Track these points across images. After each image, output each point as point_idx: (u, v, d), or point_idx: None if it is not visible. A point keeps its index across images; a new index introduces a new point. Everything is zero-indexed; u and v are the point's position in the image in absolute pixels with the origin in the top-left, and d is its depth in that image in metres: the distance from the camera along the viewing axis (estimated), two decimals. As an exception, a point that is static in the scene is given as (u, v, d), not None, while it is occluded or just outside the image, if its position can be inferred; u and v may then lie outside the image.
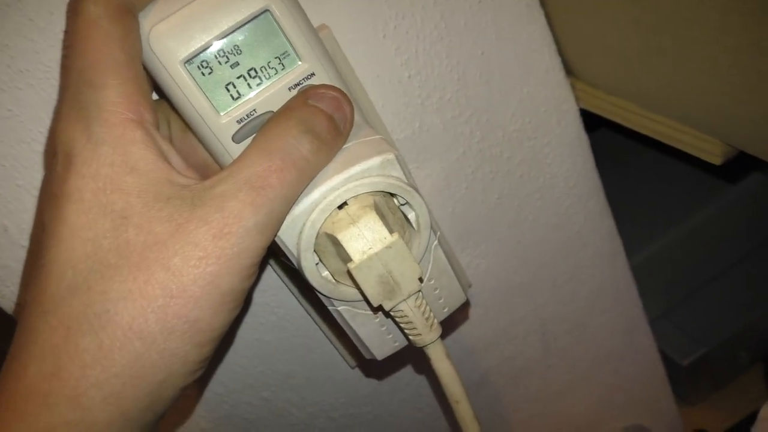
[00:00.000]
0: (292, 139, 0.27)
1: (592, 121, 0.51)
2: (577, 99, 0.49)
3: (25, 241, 0.38)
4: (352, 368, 0.51)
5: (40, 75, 0.34)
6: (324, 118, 0.29)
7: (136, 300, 0.24)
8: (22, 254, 0.38)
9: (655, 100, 0.45)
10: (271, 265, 0.44)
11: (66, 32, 0.28)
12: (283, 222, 0.28)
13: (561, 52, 0.46)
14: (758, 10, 0.33)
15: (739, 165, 0.68)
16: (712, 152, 0.43)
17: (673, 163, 0.86)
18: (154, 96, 0.33)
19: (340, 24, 0.39)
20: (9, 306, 0.40)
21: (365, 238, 0.28)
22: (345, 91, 0.31)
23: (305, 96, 0.29)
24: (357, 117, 0.31)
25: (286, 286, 0.45)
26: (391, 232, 0.28)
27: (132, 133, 0.26)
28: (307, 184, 0.28)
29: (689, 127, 0.44)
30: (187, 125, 0.31)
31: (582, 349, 0.61)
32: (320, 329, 0.48)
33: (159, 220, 0.25)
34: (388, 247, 0.28)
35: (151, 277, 0.24)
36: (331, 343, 0.49)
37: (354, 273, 0.28)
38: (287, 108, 0.29)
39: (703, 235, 0.84)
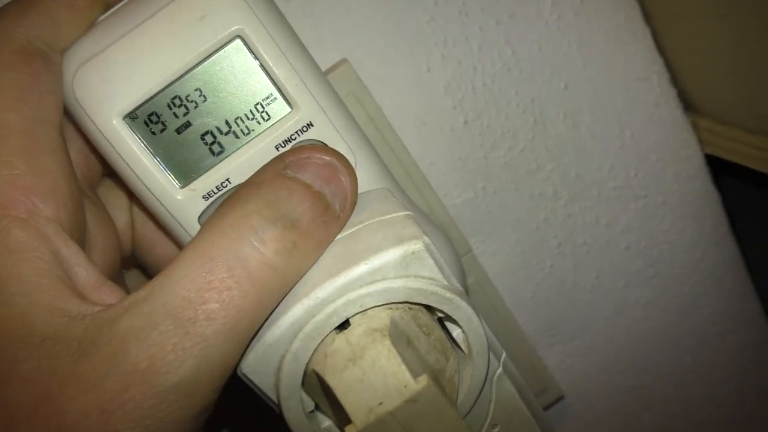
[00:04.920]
0: (248, 234, 0.17)
1: (713, 169, 0.40)
2: (702, 142, 0.38)
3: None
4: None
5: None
6: (306, 197, 0.19)
7: None
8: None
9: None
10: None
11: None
12: (231, 369, 0.18)
13: (676, 81, 0.36)
14: None
15: None
16: None
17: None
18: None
19: (366, 57, 0.31)
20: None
21: (373, 387, 0.17)
22: (352, 150, 0.22)
23: (283, 163, 0.20)
24: (382, 185, 0.23)
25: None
26: (415, 374, 0.17)
27: (5, 238, 0.17)
28: (277, 303, 0.18)
29: None
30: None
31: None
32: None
33: (17, 382, 0.15)
34: (411, 400, 0.17)
35: None
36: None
37: (355, 443, 0.17)
38: (252, 182, 0.20)
39: None
